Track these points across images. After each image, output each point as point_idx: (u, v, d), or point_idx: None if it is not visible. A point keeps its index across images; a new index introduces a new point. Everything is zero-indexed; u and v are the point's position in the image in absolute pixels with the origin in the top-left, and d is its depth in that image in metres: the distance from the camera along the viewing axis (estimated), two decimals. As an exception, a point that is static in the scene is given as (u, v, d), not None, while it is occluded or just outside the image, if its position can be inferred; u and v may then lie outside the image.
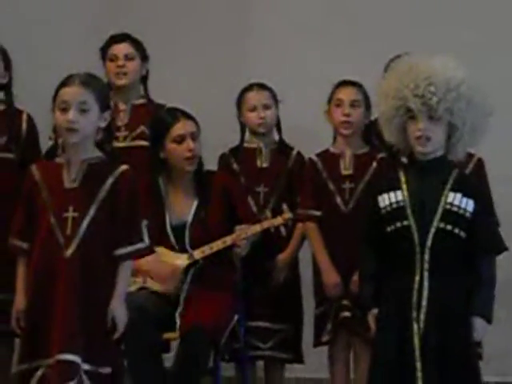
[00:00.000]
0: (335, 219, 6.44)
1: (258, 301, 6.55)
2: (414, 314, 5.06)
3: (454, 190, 5.17)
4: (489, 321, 5.16)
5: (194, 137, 6.26)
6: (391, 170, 5.59)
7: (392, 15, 7.64)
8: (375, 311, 5.20)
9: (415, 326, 5.05)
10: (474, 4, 7.76)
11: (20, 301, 5.14)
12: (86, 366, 5.00)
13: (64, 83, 5.12)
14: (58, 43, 7.18)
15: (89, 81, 5.14)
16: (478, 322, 5.12)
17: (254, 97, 6.69)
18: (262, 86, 6.73)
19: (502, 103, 5.53)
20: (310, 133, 6.93)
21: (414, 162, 5.21)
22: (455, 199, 5.15)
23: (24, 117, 6.67)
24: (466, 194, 5.17)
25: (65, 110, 5.06)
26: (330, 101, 6.51)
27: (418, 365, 5.02)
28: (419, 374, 5.01)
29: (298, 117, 6.95)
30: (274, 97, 6.72)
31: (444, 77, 5.09)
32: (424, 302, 5.06)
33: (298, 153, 6.75)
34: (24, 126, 6.68)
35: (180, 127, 6.25)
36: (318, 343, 6.51)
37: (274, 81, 6.80)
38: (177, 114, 6.31)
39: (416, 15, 7.48)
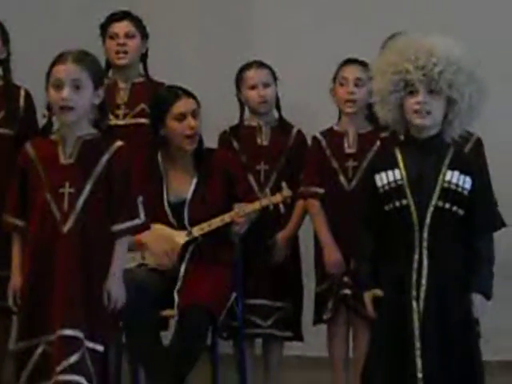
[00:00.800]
0: (338, 197, 6.44)
1: (257, 278, 6.54)
2: (414, 293, 5.03)
3: (451, 167, 5.14)
4: (488, 298, 5.15)
5: (195, 114, 6.25)
6: (388, 148, 5.55)
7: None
8: (375, 291, 5.17)
9: (415, 305, 5.03)
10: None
11: (16, 278, 5.14)
12: (87, 343, 5.01)
13: (57, 61, 5.13)
14: (55, 18, 7.01)
15: (82, 58, 5.15)
16: (478, 299, 5.10)
17: (253, 75, 6.67)
18: (261, 64, 6.71)
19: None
20: (310, 111, 6.90)
21: (410, 140, 5.19)
22: (453, 177, 5.12)
23: (22, 93, 6.66)
24: (463, 172, 5.15)
25: (59, 88, 5.07)
26: (334, 79, 6.50)
27: (418, 344, 5.00)
28: (418, 353, 4.99)
29: (299, 95, 6.89)
30: (273, 74, 6.71)
31: (445, 50, 5.07)
32: (423, 281, 5.03)
33: (299, 131, 6.73)
34: (22, 101, 6.66)
35: (181, 105, 6.24)
36: (318, 321, 6.52)
37: (275, 59, 6.80)
38: (178, 91, 6.30)
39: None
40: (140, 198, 5.18)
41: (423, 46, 5.09)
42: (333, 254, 6.36)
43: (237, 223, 6.18)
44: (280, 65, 6.76)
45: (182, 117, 6.23)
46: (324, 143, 6.53)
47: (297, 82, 6.87)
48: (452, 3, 7.59)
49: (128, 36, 6.74)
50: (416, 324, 5.02)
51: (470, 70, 5.10)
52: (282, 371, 6.73)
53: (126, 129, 6.51)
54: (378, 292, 5.15)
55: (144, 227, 5.43)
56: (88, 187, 5.08)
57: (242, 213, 6.19)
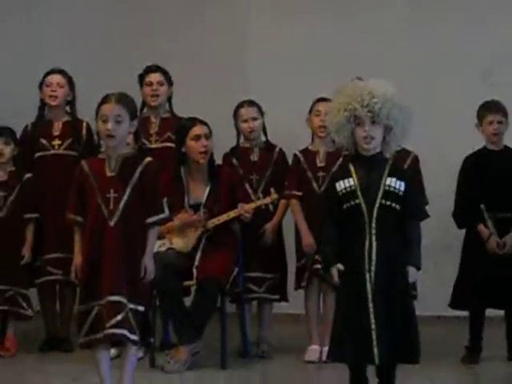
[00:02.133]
0: (311, 198, 6.36)
1: (253, 257, 6.48)
2: (367, 267, 4.97)
3: (390, 175, 5.09)
4: (418, 268, 5.10)
5: (207, 137, 6.28)
6: (344, 163, 5.51)
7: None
8: (338, 265, 5.06)
9: (367, 275, 4.96)
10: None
11: (78, 259, 5.06)
12: (130, 305, 4.93)
13: (104, 101, 5.06)
14: (105, 70, 6.98)
15: (121, 98, 5.07)
16: (411, 270, 5.05)
17: (244, 112, 6.60)
18: (251, 103, 6.64)
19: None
20: (291, 135, 6.81)
21: (359, 157, 5.14)
22: (391, 182, 5.07)
23: (84, 125, 6.66)
24: (398, 178, 5.10)
25: (105, 122, 5.01)
26: (310, 111, 6.46)
27: (370, 304, 4.94)
28: (371, 310, 4.93)
29: (280, 124, 6.78)
30: (260, 110, 6.63)
31: (382, 91, 5.03)
32: (373, 257, 4.97)
33: (280, 149, 6.67)
34: (84, 131, 6.66)
35: (197, 129, 6.27)
36: (297, 287, 6.47)
37: (265, 98, 6.71)
38: (195, 120, 6.34)
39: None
40: (165, 199, 5.11)
41: (366, 89, 5.04)
42: (308, 239, 6.31)
43: (245, 216, 6.20)
44: (269, 102, 6.67)
45: (197, 138, 6.25)
46: (302, 159, 6.48)
47: (281, 114, 6.80)
48: (385, 56, 7.55)
49: (159, 84, 6.67)
50: (369, 289, 4.95)
51: (400, 104, 5.06)
52: (272, 324, 6.65)
53: (157, 151, 6.43)
54: (341, 266, 5.05)
55: (167, 220, 5.39)
56: (127, 192, 5.00)
57: (242, 210, 6.19)
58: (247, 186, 6.53)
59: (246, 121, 6.57)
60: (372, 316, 4.94)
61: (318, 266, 6.16)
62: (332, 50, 7.77)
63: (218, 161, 6.52)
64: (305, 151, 6.50)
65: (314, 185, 6.40)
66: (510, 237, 6.16)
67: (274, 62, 7.89)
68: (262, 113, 6.61)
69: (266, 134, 6.67)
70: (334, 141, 5.98)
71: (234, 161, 6.61)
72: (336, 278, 5.09)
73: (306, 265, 6.37)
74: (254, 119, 6.57)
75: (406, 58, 7.68)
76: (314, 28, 7.93)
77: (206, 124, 6.30)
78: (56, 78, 6.63)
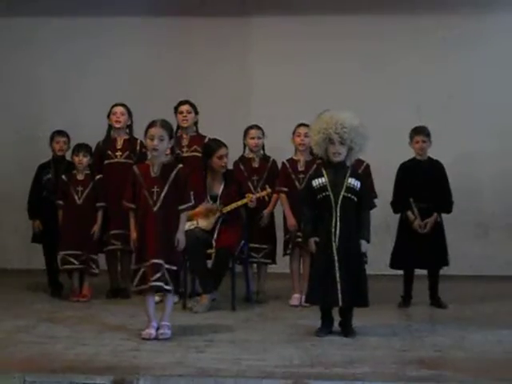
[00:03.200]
0: (294, 193, 6.26)
1: (255, 234, 6.42)
2: (333, 238, 5.03)
3: (350, 176, 5.13)
4: (368, 241, 5.15)
5: (227, 155, 6.24)
6: (318, 168, 5.50)
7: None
8: (315, 238, 5.10)
9: (334, 245, 5.03)
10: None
11: (133, 234, 5.07)
12: (166, 266, 4.95)
13: (151, 125, 5.07)
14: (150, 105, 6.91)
15: (164, 123, 5.09)
16: (363, 242, 5.11)
17: (253, 132, 6.56)
18: (258, 127, 6.58)
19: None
20: (281, 149, 6.75)
21: (330, 164, 5.16)
22: (351, 181, 5.12)
23: (138, 141, 6.58)
24: (356, 178, 5.15)
25: (151, 139, 5.03)
26: (294, 133, 6.39)
27: (336, 264, 5.01)
28: (337, 268, 5.01)
29: (275, 142, 6.74)
30: (263, 132, 6.58)
31: (349, 122, 5.07)
32: (337, 233, 5.03)
33: (273, 160, 6.61)
34: (138, 147, 6.61)
35: (221, 151, 6.21)
36: (284, 254, 6.44)
37: (263, 123, 6.66)
38: (219, 143, 6.26)
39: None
40: (191, 192, 5.12)
41: (338, 119, 5.09)
42: (291, 221, 6.26)
43: (251, 202, 6.15)
44: (266, 126, 6.62)
45: (220, 157, 6.20)
46: (288, 165, 6.41)
47: (274, 135, 6.67)
48: (348, 95, 7.50)
49: (188, 112, 6.62)
50: (335, 254, 5.03)
51: (362, 132, 5.11)
52: (266, 280, 6.63)
53: (188, 158, 6.38)
54: (316, 239, 5.10)
55: (193, 207, 5.39)
56: (166, 188, 5.01)
57: (247, 200, 6.16)
58: (250, 184, 6.47)
59: (253, 138, 6.53)
60: (337, 272, 5.01)
61: (299, 240, 6.14)
62: (309, 90, 7.75)
63: (229, 165, 6.46)
64: (290, 160, 6.44)
65: (297, 183, 6.33)
66: (430, 221, 6.15)
67: (270, 99, 7.86)
68: (264, 135, 6.58)
69: (263, 149, 6.63)
70: (311, 152, 6.02)
71: (241, 166, 6.55)
72: (313, 247, 5.13)
73: (290, 238, 6.34)
74: (259, 138, 6.54)
75: (363, 96, 7.64)
76: (298, 77, 7.93)
77: (226, 146, 6.24)
78: (119, 109, 6.62)
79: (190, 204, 5.10)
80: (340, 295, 4.98)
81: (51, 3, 8.04)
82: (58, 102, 8.09)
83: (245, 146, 6.63)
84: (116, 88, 7.65)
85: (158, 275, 4.91)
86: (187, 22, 8.09)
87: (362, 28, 7.92)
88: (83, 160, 6.47)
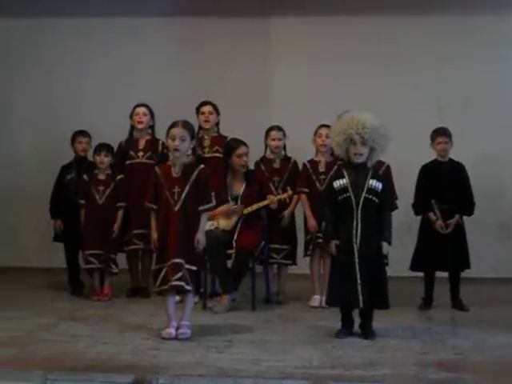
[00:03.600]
0: (315, 193, 6.25)
1: (275, 234, 6.40)
2: (354, 240, 5.00)
3: (372, 178, 5.11)
4: (389, 243, 5.12)
5: (247, 155, 6.22)
6: (340, 168, 5.46)
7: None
8: (335, 241, 5.09)
9: (355, 246, 5.00)
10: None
11: (154, 234, 5.08)
12: (186, 265, 4.96)
13: (173, 125, 5.08)
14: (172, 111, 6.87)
15: (185, 124, 5.09)
16: (384, 244, 5.08)
17: (274, 133, 6.55)
18: (279, 128, 6.57)
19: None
20: (302, 150, 6.75)
21: (351, 165, 5.14)
22: (373, 182, 5.09)
23: (160, 142, 6.60)
24: (377, 180, 5.13)
25: (173, 139, 5.04)
26: (315, 134, 6.37)
27: (357, 266, 5.00)
28: (357, 270, 4.99)
29: (296, 143, 6.72)
30: (284, 134, 6.57)
31: (370, 122, 5.04)
32: (359, 233, 5.01)
33: (294, 160, 6.59)
34: (160, 147, 6.62)
35: (240, 149, 6.20)
36: (305, 255, 6.42)
37: (282, 124, 6.65)
38: (239, 141, 6.26)
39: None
40: (213, 193, 5.11)
41: (359, 119, 5.06)
42: (312, 222, 6.24)
43: (273, 203, 6.16)
44: (286, 127, 6.60)
45: (240, 156, 6.19)
46: (308, 166, 6.38)
47: (295, 135, 6.63)
48: (369, 96, 7.45)
49: (210, 113, 6.62)
50: (356, 255, 5.00)
51: (382, 132, 5.08)
52: (287, 281, 6.61)
53: (209, 159, 6.41)
54: (337, 241, 5.09)
55: (214, 207, 5.38)
56: (187, 188, 5.02)
57: (269, 201, 6.16)
58: (271, 185, 6.45)
59: (274, 140, 6.52)
60: (358, 274, 4.99)
61: (320, 241, 6.12)
62: (329, 91, 7.73)
63: (251, 165, 6.47)
64: (311, 161, 6.41)
65: (317, 184, 6.31)
66: (452, 222, 6.13)
67: (290, 100, 7.84)
68: (285, 136, 6.57)
69: (285, 150, 6.61)
70: (332, 153, 6.01)
71: (263, 167, 6.54)
72: (333, 249, 5.11)
73: (310, 239, 6.31)
74: (280, 139, 6.52)
75: (383, 97, 7.61)
76: (319, 78, 7.90)
77: (246, 145, 6.23)
78: (142, 110, 6.64)
79: (212, 205, 5.10)
80: (361, 297, 4.97)
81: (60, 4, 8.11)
82: (79, 103, 8.13)
83: (266, 146, 6.61)
84: (136, 89, 7.69)
85: (179, 275, 4.92)
86: (206, 21, 8.08)
87: (384, 29, 7.89)
88: (105, 160, 6.51)
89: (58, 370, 4.22)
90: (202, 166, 5.16)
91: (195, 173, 5.05)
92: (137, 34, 8.13)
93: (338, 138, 5.11)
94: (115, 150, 6.63)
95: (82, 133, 6.83)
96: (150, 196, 5.13)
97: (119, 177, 6.56)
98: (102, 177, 6.54)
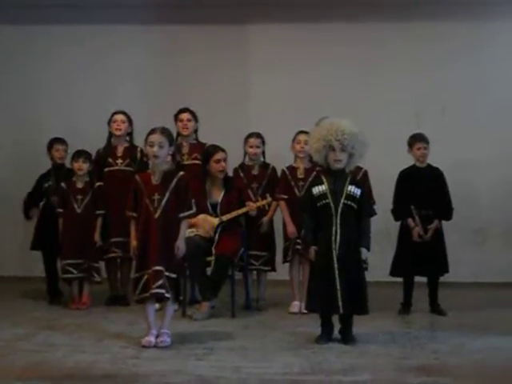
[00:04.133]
0: (294, 200, 6.27)
1: (254, 241, 6.40)
2: (333, 246, 5.02)
3: (350, 184, 5.13)
4: (368, 249, 5.14)
5: (225, 160, 6.22)
6: (317, 175, 5.49)
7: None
8: (314, 247, 5.10)
9: (334, 252, 5.02)
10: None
11: (133, 242, 5.07)
12: (166, 273, 4.94)
13: (151, 132, 5.08)
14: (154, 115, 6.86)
15: (163, 131, 5.09)
16: (363, 250, 5.10)
17: (252, 141, 6.55)
18: (257, 135, 6.57)
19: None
20: (281, 156, 6.72)
21: (329, 171, 5.15)
22: (351, 188, 5.11)
23: (138, 149, 6.59)
24: (356, 186, 5.15)
25: (151, 146, 5.03)
26: (293, 140, 6.38)
27: (336, 272, 5.00)
28: (337, 276, 5.00)
29: (275, 149, 6.73)
30: (263, 141, 6.57)
31: (349, 129, 5.07)
32: (338, 239, 5.02)
33: (273, 167, 6.60)
34: (138, 154, 6.61)
35: (218, 155, 6.20)
36: (284, 261, 6.42)
37: (260, 131, 6.66)
38: (217, 147, 6.26)
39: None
40: (193, 200, 5.11)
41: (338, 126, 5.08)
42: (291, 228, 6.25)
43: (252, 210, 6.19)
44: (264, 134, 6.62)
45: (217, 161, 6.19)
46: (287, 172, 6.39)
47: (273, 142, 6.66)
48: (346, 102, 7.50)
49: (188, 120, 6.62)
50: (335, 261, 5.02)
51: (361, 139, 5.12)
52: (266, 288, 6.62)
53: (188, 166, 6.35)
54: (316, 248, 5.10)
55: (194, 215, 5.36)
56: (167, 195, 5.01)
57: (248, 208, 6.18)
58: (250, 191, 6.46)
59: (251, 147, 6.53)
60: (337, 280, 4.99)
61: (299, 247, 6.15)
62: (307, 98, 7.73)
63: (230, 172, 6.47)
64: (289, 167, 6.41)
65: (296, 191, 6.31)
66: (431, 227, 6.16)
67: (268, 107, 7.85)
68: (263, 142, 6.58)
69: (264, 156, 6.62)
70: (310, 160, 6.02)
71: (241, 173, 6.54)
72: (312, 255, 5.12)
73: (289, 246, 6.32)
74: (258, 147, 6.53)
75: (361, 103, 7.66)
76: (297, 84, 7.90)
77: (224, 150, 6.23)
78: (120, 117, 6.62)
79: (192, 212, 5.10)
80: (340, 303, 4.97)
81: (50, 12, 8.05)
82: (57, 110, 8.07)
83: (245, 153, 6.62)
84: (115, 95, 7.67)
85: (160, 283, 4.90)
86: (185, 29, 8.07)
87: (361, 35, 7.92)
88: (83, 166, 6.47)
89: (37, 379, 4.20)
90: (181, 172, 5.14)
91: (175, 180, 5.04)
92: (117, 41, 8.10)
93: (317, 144, 5.11)
94: (93, 156, 6.60)
95: (58, 140, 6.79)
96: (130, 204, 5.12)
97: (98, 184, 6.53)
98: (80, 185, 6.49)
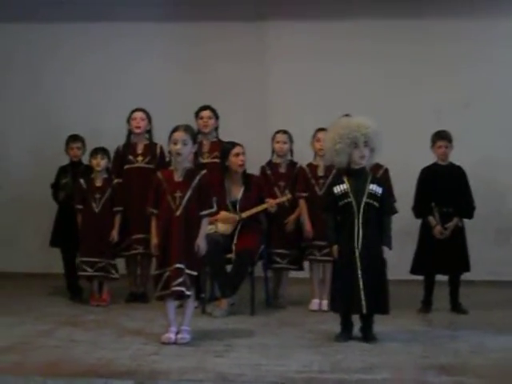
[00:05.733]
0: (314, 198, 6.27)
1: (279, 239, 6.39)
2: (356, 245, 5.02)
3: (372, 182, 5.13)
4: (390, 248, 5.14)
5: (243, 154, 6.23)
6: (338, 174, 5.46)
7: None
8: (337, 246, 5.10)
9: (356, 251, 5.01)
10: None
11: (154, 239, 5.08)
12: (187, 271, 4.96)
13: (175, 129, 5.09)
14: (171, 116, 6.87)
15: (187, 128, 5.11)
16: (385, 248, 5.10)
17: (279, 137, 6.53)
18: (284, 132, 6.55)
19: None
20: (302, 154, 6.67)
21: (350, 170, 5.15)
22: (373, 187, 5.11)
23: (158, 146, 6.63)
24: (378, 185, 5.15)
25: (175, 144, 5.05)
26: (313, 138, 6.37)
27: (359, 272, 5.00)
28: (360, 275, 5.00)
29: (299, 147, 6.68)
30: (290, 137, 6.55)
31: (369, 123, 5.08)
32: (360, 239, 5.02)
33: (300, 166, 6.52)
34: (158, 151, 6.65)
35: (236, 149, 6.21)
36: (307, 259, 6.42)
37: (281, 127, 6.67)
38: (234, 142, 6.26)
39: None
40: (214, 198, 5.14)
41: (358, 122, 5.09)
42: (308, 227, 6.26)
43: (271, 207, 6.18)
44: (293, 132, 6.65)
45: (236, 155, 6.20)
46: (307, 170, 6.38)
47: (298, 141, 6.63)
48: (370, 97, 7.50)
49: (209, 118, 6.63)
50: (358, 260, 5.02)
51: (379, 131, 5.10)
52: (286, 285, 6.62)
53: (208, 164, 6.36)
54: (338, 246, 5.10)
55: (215, 213, 5.40)
56: (189, 193, 5.02)
57: (267, 205, 6.18)
58: (276, 189, 6.44)
59: (278, 142, 6.51)
60: (360, 280, 4.99)
61: (312, 257, 6.27)
62: (326, 95, 7.73)
63: (255, 171, 6.50)
64: (309, 165, 6.40)
65: (316, 188, 6.30)
66: (450, 225, 6.14)
67: (288, 104, 7.85)
68: (291, 140, 6.56)
69: (291, 155, 6.60)
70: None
71: (269, 171, 6.53)
72: (336, 254, 5.12)
73: (307, 246, 6.30)
74: (285, 143, 6.50)
75: (382, 100, 7.66)
76: (315, 78, 7.91)
77: (241, 145, 6.24)
78: (139, 114, 6.65)
79: (213, 210, 5.12)
80: (364, 302, 4.97)
81: (75, 10, 8.12)
82: (80, 109, 8.12)
83: (273, 150, 6.60)
84: (134, 94, 7.71)
85: (180, 280, 4.92)
86: (204, 25, 8.08)
87: (383, 32, 7.90)
88: (101, 163, 6.51)
89: (57, 375, 4.23)
90: (204, 171, 5.18)
91: (197, 178, 5.06)
92: (136, 39, 8.14)
93: (339, 145, 5.07)
94: (112, 154, 6.64)
95: (73, 138, 6.84)
96: (151, 201, 5.13)
97: (116, 181, 6.56)
98: (98, 183, 6.53)
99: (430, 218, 6.16)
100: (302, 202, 6.35)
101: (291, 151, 6.59)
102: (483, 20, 7.91)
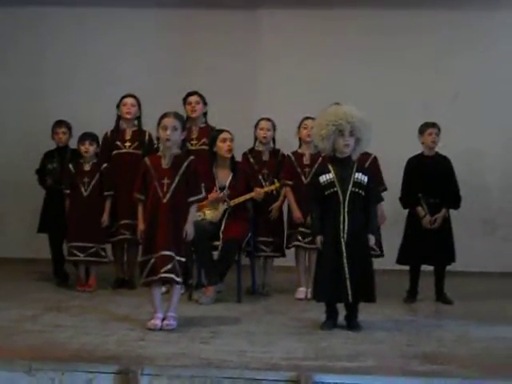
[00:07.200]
0: (299, 186, 6.30)
1: (263, 227, 6.43)
2: (341, 234, 5.02)
3: (357, 171, 5.13)
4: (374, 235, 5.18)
5: (231, 140, 6.23)
6: (324, 163, 5.47)
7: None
8: (321, 237, 5.09)
9: (342, 240, 5.02)
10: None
11: (141, 225, 5.09)
12: (176, 257, 4.96)
13: (164, 115, 5.09)
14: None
15: (177, 115, 5.11)
16: (370, 236, 5.10)
17: (263, 123, 6.56)
18: (268, 119, 6.58)
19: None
20: (287, 142, 6.72)
21: (335, 158, 5.16)
22: (358, 176, 5.11)
23: (147, 133, 6.62)
24: (363, 173, 5.14)
25: (165, 129, 5.03)
26: (300, 126, 6.40)
27: (345, 260, 5.01)
28: (345, 264, 5.00)
29: (283, 134, 6.72)
30: (273, 125, 6.59)
31: (356, 113, 5.07)
32: (346, 228, 5.02)
33: (282, 153, 6.60)
34: (146, 138, 6.64)
35: (224, 134, 6.21)
36: (287, 247, 6.48)
37: (268, 115, 6.70)
38: (223, 129, 6.26)
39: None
40: (202, 184, 5.13)
41: (345, 110, 5.09)
42: (297, 214, 6.28)
43: (258, 196, 6.19)
44: (273, 119, 6.64)
45: (224, 140, 6.21)
46: (293, 158, 6.40)
47: (282, 129, 6.66)
48: (359, 87, 7.50)
49: (197, 103, 6.61)
50: (343, 249, 5.01)
51: (368, 123, 5.10)
52: (272, 273, 6.67)
53: (196, 151, 6.34)
54: (322, 237, 5.09)
55: (203, 199, 5.37)
56: (176, 179, 5.02)
57: (255, 193, 6.19)
58: (260, 177, 6.48)
59: (262, 129, 6.53)
60: (346, 269, 5.00)
61: (297, 243, 6.30)
62: (315, 85, 7.73)
63: (238, 156, 6.49)
64: (295, 153, 6.43)
65: (302, 177, 6.33)
66: (439, 216, 6.17)
67: (275, 93, 7.83)
68: (274, 127, 6.58)
69: (274, 142, 6.63)
70: (316, 146, 6.01)
71: (251, 159, 6.56)
72: (319, 244, 5.12)
73: (293, 233, 6.34)
74: (268, 130, 6.53)
75: (370, 90, 7.66)
76: (304, 69, 7.91)
77: (229, 131, 6.24)
78: (130, 100, 6.63)
79: (201, 196, 5.12)
80: (350, 291, 4.99)
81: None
82: (65, 93, 8.08)
83: (255, 138, 6.62)
84: (123, 79, 7.69)
85: (169, 267, 4.92)
86: (196, 12, 8.07)
87: (371, 23, 7.91)
88: (89, 148, 6.49)
89: (43, 360, 4.22)
90: (191, 157, 5.16)
91: (185, 164, 5.06)
92: (125, 25, 8.12)
93: (325, 130, 5.08)
94: (100, 139, 6.62)
95: (58, 123, 6.83)
96: (138, 187, 5.13)
97: (104, 166, 6.54)
98: (87, 167, 6.52)
99: (419, 209, 6.18)
100: (287, 190, 6.38)
101: (273, 139, 6.62)
102: (474, 11, 7.93)
